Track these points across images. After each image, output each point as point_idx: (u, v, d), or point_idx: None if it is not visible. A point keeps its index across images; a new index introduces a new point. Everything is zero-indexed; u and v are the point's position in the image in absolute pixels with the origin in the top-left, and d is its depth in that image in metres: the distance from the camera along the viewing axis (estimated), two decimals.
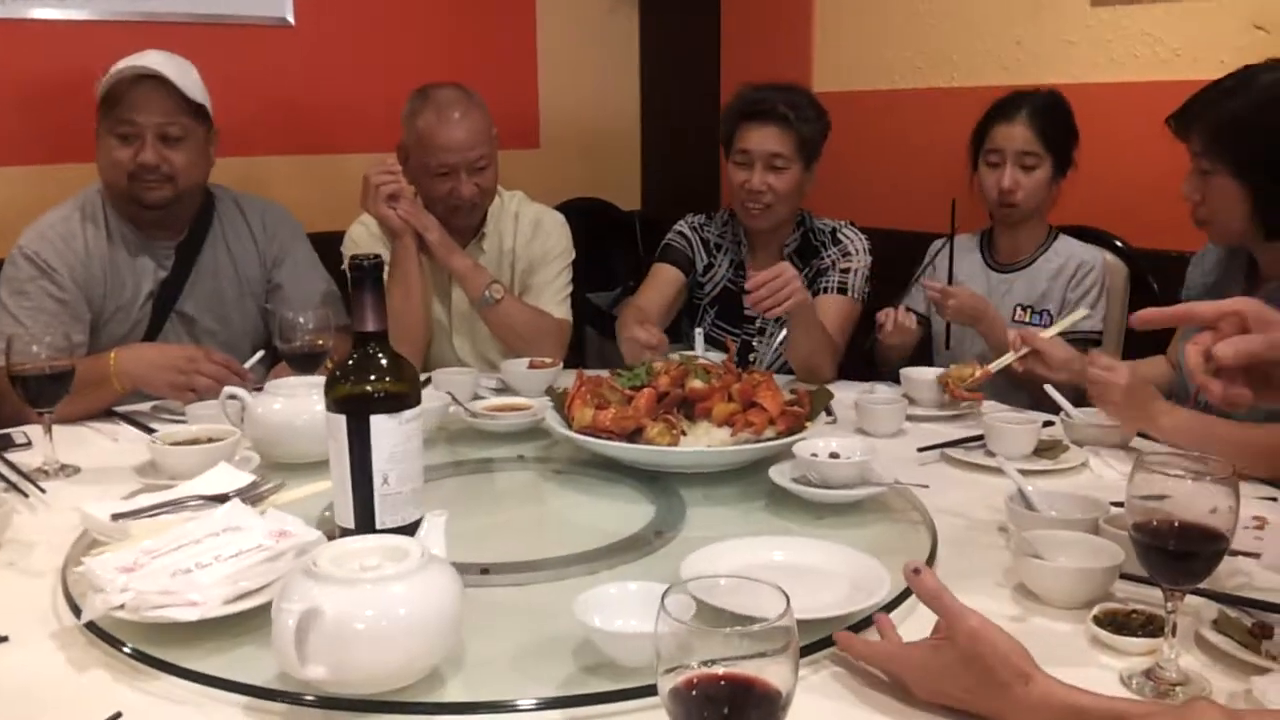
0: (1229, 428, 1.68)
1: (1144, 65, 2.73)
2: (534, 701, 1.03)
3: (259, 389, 1.81)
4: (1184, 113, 1.88)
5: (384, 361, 1.26)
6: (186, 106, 2.25)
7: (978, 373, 2.05)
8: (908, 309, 2.41)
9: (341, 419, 1.24)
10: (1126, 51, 2.79)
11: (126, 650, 1.13)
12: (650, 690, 1.02)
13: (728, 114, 2.51)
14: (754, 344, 2.53)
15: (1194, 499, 1.04)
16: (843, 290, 2.46)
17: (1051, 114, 2.40)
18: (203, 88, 2.30)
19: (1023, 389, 2.14)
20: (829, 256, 2.50)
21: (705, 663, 0.80)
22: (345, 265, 2.41)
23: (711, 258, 2.60)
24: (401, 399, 1.25)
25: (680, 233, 2.62)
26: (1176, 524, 1.05)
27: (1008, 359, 1.99)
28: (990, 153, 2.44)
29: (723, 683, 0.80)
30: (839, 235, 2.52)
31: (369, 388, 1.25)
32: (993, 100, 2.48)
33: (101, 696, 1.06)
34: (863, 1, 3.44)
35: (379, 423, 1.23)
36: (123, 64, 2.21)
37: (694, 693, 0.80)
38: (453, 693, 1.06)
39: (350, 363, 1.26)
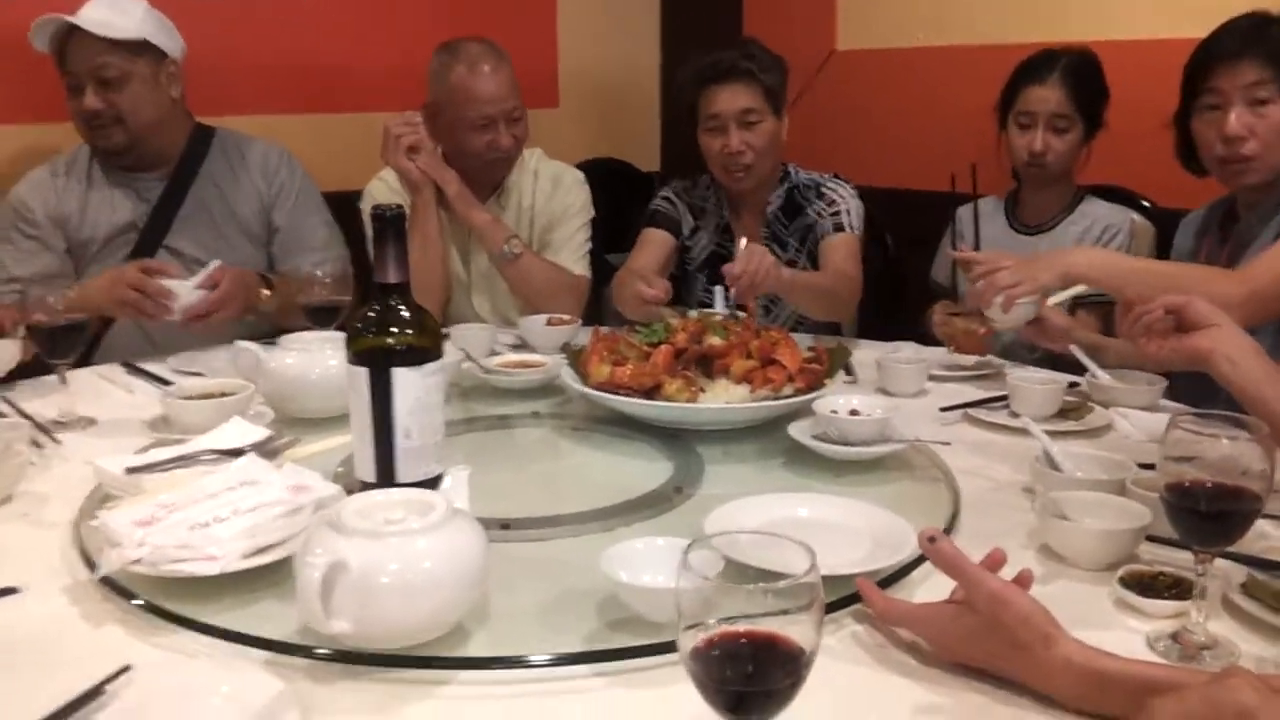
0: (1136, 262, 1.93)
1: (1172, 21, 2.68)
2: (560, 656, 1.02)
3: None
4: (1220, 48, 1.89)
5: (406, 314, 1.24)
6: (117, 47, 2.27)
7: (981, 329, 2.05)
8: (932, 280, 2.39)
9: (363, 371, 1.22)
10: (1154, 6, 2.73)
11: (138, 603, 1.13)
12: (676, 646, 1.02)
13: (686, 84, 2.45)
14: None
15: (1227, 460, 1.02)
16: (839, 229, 2.42)
17: (1084, 74, 2.35)
18: (147, 20, 2.33)
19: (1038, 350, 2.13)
20: (814, 211, 2.45)
21: (727, 619, 0.79)
22: (366, 219, 2.47)
23: (698, 222, 2.56)
24: (424, 352, 1.24)
25: (666, 198, 2.59)
26: (1209, 485, 1.03)
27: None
28: (1021, 114, 2.39)
29: (744, 640, 0.78)
30: (823, 189, 2.47)
31: (391, 340, 1.23)
32: (1019, 58, 2.43)
33: (115, 650, 1.05)
34: None
35: (401, 375, 1.21)
36: (40, 20, 2.26)
37: (715, 651, 0.79)
38: (477, 647, 1.05)
39: (372, 314, 1.25)
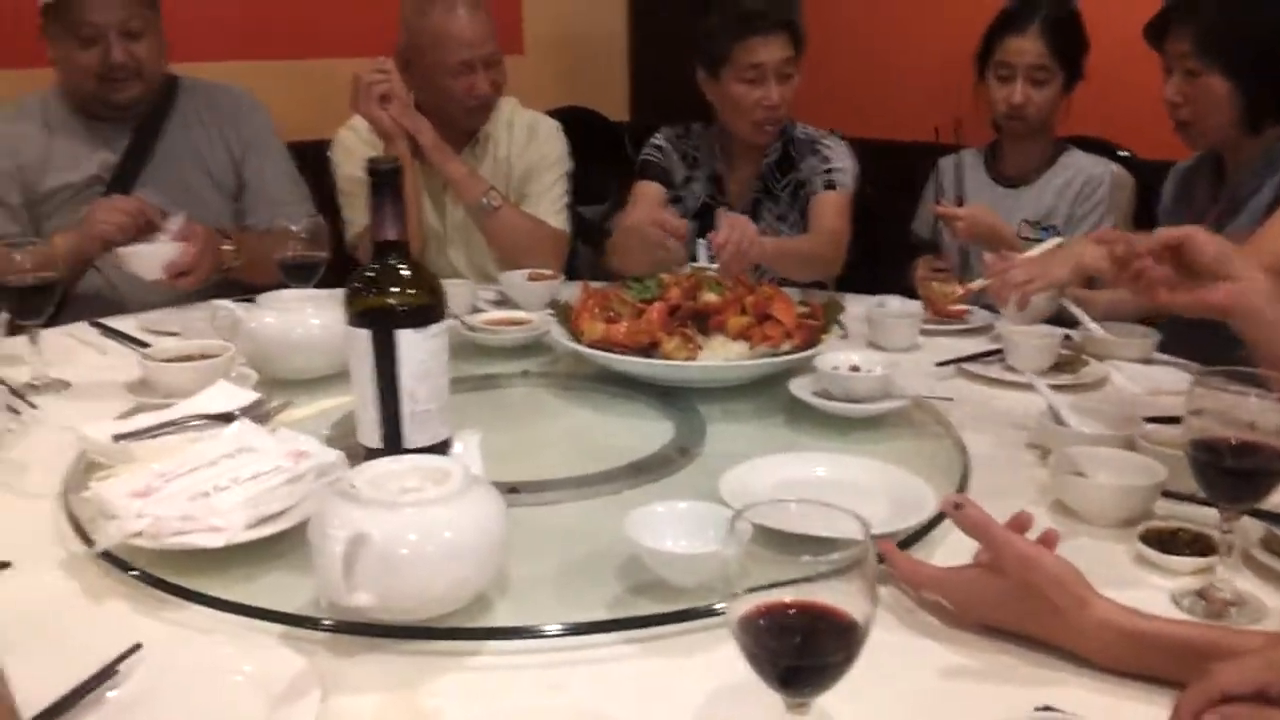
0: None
1: None
2: (589, 623, 1.00)
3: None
4: (1167, 17, 1.91)
5: (407, 273, 1.20)
6: None
7: (959, 290, 2.03)
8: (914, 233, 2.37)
9: (365, 334, 1.17)
10: None
11: (137, 576, 1.08)
12: (706, 612, 1.00)
13: (720, 30, 2.34)
14: None
15: (1254, 416, 1.01)
16: (830, 186, 2.38)
17: (1064, 25, 2.32)
18: None
19: None
20: (808, 166, 2.41)
21: (769, 586, 0.76)
22: (336, 169, 2.41)
23: (690, 171, 2.50)
24: (428, 311, 1.19)
25: (657, 146, 2.52)
26: (1235, 442, 1.02)
27: (986, 280, 1.96)
28: (1000, 65, 2.35)
29: (793, 611, 0.76)
30: (818, 146, 2.42)
31: (393, 300, 1.19)
32: (1000, 6, 2.40)
33: (120, 627, 1.01)
34: None
35: (405, 337, 1.17)
36: None
37: (763, 622, 0.77)
38: (501, 616, 1.02)
39: (371, 274, 1.20)
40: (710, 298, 1.70)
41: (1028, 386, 1.56)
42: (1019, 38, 2.33)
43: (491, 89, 2.37)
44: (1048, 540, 1.03)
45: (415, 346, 1.18)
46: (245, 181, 2.43)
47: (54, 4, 2.17)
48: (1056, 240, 2.11)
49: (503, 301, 2.19)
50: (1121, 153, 2.54)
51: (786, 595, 0.76)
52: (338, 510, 0.95)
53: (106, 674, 0.91)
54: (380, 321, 1.18)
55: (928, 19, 3.19)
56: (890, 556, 1.08)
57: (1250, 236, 1.80)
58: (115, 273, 2.19)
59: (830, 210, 2.35)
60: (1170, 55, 1.93)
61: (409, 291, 1.19)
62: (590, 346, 1.66)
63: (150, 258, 2.04)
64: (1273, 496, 1.22)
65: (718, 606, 0.98)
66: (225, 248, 2.19)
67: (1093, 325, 1.83)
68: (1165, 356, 1.82)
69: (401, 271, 1.20)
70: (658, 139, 2.53)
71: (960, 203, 2.31)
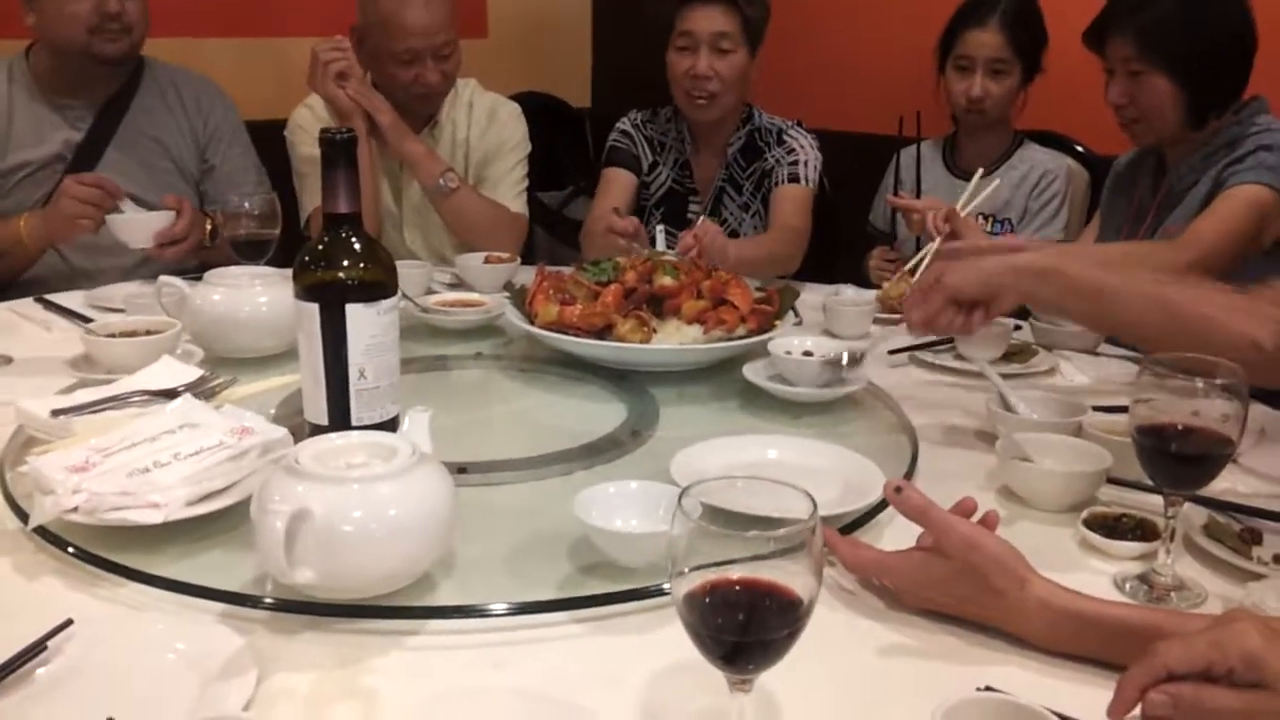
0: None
1: None
2: (537, 603, 0.99)
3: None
4: (1106, 21, 1.95)
5: (358, 246, 1.18)
6: None
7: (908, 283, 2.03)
8: (871, 224, 2.37)
9: (313, 308, 1.16)
10: None
11: (75, 554, 1.06)
12: (652, 592, 0.99)
13: None
14: None
15: (1200, 403, 1.02)
16: (794, 180, 2.37)
17: (1024, 18, 2.35)
18: None
19: None
20: (773, 157, 2.40)
21: (717, 564, 0.76)
22: (293, 149, 2.38)
23: (656, 156, 2.48)
24: (379, 287, 1.17)
25: (623, 132, 2.50)
26: (1181, 428, 1.03)
27: (929, 250, 1.97)
28: (960, 58, 2.37)
29: (738, 588, 0.76)
30: (784, 136, 2.41)
31: (343, 274, 1.17)
32: None
33: (54, 605, 0.98)
34: None
35: (355, 312, 1.15)
36: None
37: (708, 599, 0.76)
38: (446, 595, 1.01)
39: (321, 247, 1.18)
40: (666, 281, 1.69)
41: (979, 375, 1.57)
42: (979, 30, 2.35)
43: (440, 80, 2.33)
44: (988, 522, 1.04)
45: (365, 321, 1.16)
46: (208, 169, 2.42)
47: None
48: (994, 184, 2.13)
49: (458, 284, 2.17)
50: (1076, 147, 2.56)
51: (732, 572, 0.76)
52: (280, 485, 0.94)
53: (35, 650, 0.89)
54: (329, 295, 1.16)
55: (891, 10, 3.20)
56: (832, 542, 1.07)
57: (1186, 229, 1.84)
58: (74, 254, 2.18)
59: (792, 206, 2.34)
60: (1112, 58, 1.95)
61: (360, 266, 1.18)
62: (544, 329, 1.65)
63: (140, 226, 2.02)
64: (1215, 483, 1.25)
65: (665, 586, 0.97)
66: (208, 226, 2.17)
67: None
68: (1114, 348, 1.84)
69: (353, 245, 1.18)
70: (624, 124, 2.51)
71: (918, 195, 2.32)
